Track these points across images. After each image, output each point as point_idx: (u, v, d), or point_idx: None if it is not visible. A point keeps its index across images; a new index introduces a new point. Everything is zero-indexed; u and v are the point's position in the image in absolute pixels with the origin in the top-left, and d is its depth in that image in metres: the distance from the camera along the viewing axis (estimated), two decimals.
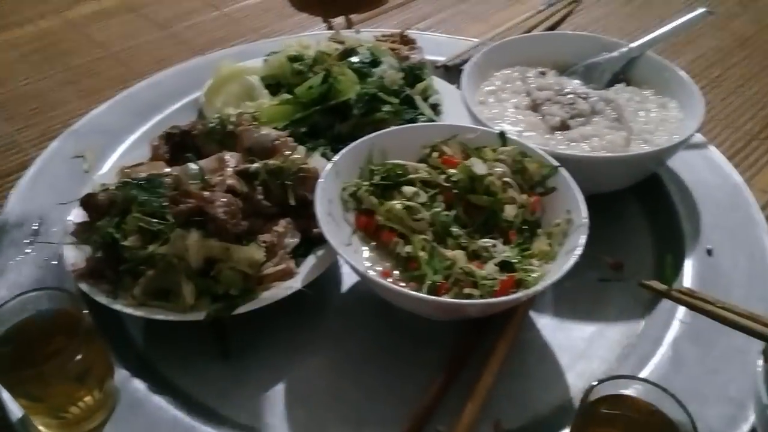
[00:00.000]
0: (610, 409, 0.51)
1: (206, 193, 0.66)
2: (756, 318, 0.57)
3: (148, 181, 0.67)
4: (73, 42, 1.13)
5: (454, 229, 0.66)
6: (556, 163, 0.68)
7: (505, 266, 0.62)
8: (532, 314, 0.68)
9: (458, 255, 0.63)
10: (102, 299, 0.63)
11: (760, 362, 0.53)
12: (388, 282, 0.61)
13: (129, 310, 0.62)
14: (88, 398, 0.56)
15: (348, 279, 0.72)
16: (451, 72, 0.97)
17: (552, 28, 1.13)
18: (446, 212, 0.67)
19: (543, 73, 0.86)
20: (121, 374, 0.61)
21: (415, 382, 0.61)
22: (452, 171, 0.69)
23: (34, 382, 0.52)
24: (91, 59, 1.09)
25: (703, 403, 0.58)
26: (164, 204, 0.65)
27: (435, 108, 0.89)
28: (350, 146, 0.72)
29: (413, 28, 1.10)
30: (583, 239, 0.61)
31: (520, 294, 0.58)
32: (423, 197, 0.68)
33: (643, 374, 0.61)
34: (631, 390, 0.52)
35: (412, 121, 0.85)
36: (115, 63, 1.08)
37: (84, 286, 0.64)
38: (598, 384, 0.50)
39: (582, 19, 1.15)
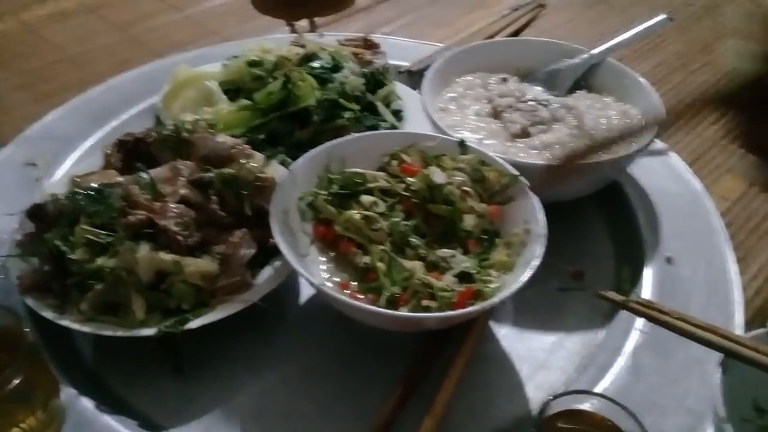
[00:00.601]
0: (566, 423, 0.51)
1: (157, 204, 0.64)
2: (713, 329, 0.56)
3: (98, 192, 0.65)
4: (29, 45, 1.10)
5: (413, 239, 0.65)
6: (515, 172, 0.67)
7: (463, 277, 0.62)
8: (492, 324, 0.67)
9: (416, 266, 0.62)
10: (48, 314, 0.61)
11: (718, 374, 0.53)
12: (344, 295, 0.60)
13: (76, 326, 0.60)
14: (30, 419, 0.54)
15: (306, 290, 0.71)
16: (415, 77, 0.96)
17: (516, 33, 1.13)
18: (405, 222, 0.66)
19: (505, 80, 0.86)
20: (68, 392, 0.59)
21: (373, 396, 0.60)
22: (411, 180, 0.68)
23: None
24: (46, 62, 1.06)
25: (662, 414, 0.58)
26: (113, 215, 0.63)
27: (397, 114, 0.88)
28: (308, 154, 0.70)
29: (377, 32, 1.09)
30: (540, 250, 0.60)
31: (477, 307, 0.57)
32: (382, 207, 0.67)
33: (602, 385, 0.61)
34: (586, 404, 0.51)
35: (374, 127, 0.84)
36: (72, 66, 1.05)
37: (29, 300, 0.62)
38: (553, 399, 0.49)
39: (546, 24, 1.15)
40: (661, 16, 0.88)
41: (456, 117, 0.80)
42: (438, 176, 0.67)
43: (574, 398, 0.51)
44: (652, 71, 1.03)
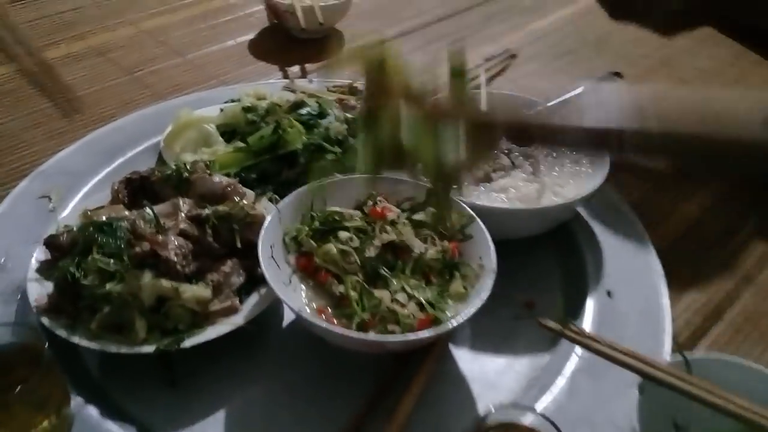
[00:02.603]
0: None
1: (159, 237, 0.73)
2: (635, 356, 0.66)
3: (108, 225, 0.75)
4: (44, 84, 1.20)
5: (382, 271, 0.74)
6: (472, 213, 0.77)
7: (424, 306, 0.71)
8: (452, 347, 0.76)
9: (384, 295, 0.71)
10: (61, 333, 0.69)
11: (636, 395, 0.62)
12: (320, 320, 0.69)
13: (85, 343, 0.69)
14: (45, 423, 0.62)
15: (288, 315, 0.80)
16: None
17: (490, 80, 1.23)
18: (376, 256, 0.75)
19: None
20: (76, 401, 0.67)
21: (343, 408, 0.68)
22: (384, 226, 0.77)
23: None
24: (60, 101, 1.15)
25: (593, 429, 0.67)
26: (121, 246, 0.72)
27: None
28: (293, 194, 0.80)
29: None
30: (490, 283, 0.70)
31: (433, 332, 0.67)
32: (356, 242, 0.76)
33: (542, 402, 0.70)
34: (522, 419, 0.60)
35: (355, 167, 0.93)
36: (82, 105, 1.15)
37: (45, 320, 0.71)
38: (492, 412, 0.58)
39: (516, 74, 1.26)
40: (607, 73, 0.98)
41: None
42: (408, 235, 0.77)
43: (510, 413, 0.60)
44: None
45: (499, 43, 1.33)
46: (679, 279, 0.84)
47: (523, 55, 1.31)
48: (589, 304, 0.80)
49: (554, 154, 0.92)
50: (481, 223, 0.76)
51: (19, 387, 0.58)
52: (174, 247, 0.73)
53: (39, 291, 0.74)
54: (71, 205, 0.91)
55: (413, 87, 0.63)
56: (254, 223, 0.78)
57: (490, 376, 0.74)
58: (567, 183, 0.87)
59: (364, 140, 0.65)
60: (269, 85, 1.12)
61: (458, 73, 0.64)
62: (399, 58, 0.62)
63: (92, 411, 0.67)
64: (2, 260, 0.82)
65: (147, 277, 0.70)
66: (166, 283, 0.70)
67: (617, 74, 0.97)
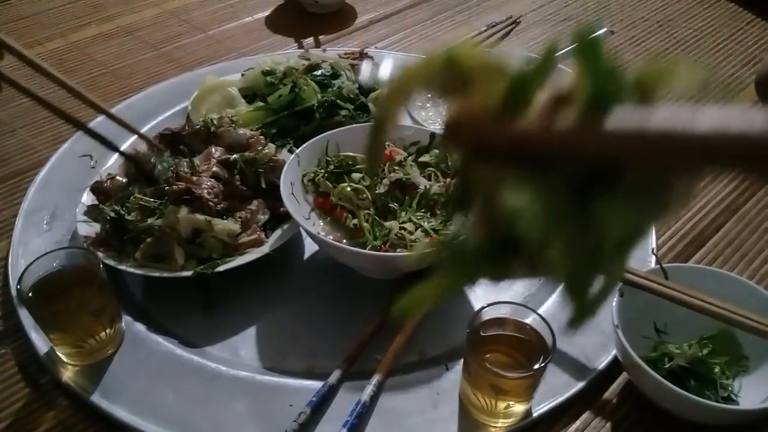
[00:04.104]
0: (492, 326, 0.67)
1: (194, 178, 0.82)
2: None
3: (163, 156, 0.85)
4: (77, 61, 1.30)
5: (392, 205, 0.83)
6: None
7: (429, 233, 0.79)
8: None
9: (393, 224, 0.80)
10: (110, 262, 0.79)
11: (616, 296, 0.70)
12: (337, 242, 0.78)
13: (132, 270, 0.78)
14: (102, 334, 0.72)
15: (309, 248, 0.88)
16: None
17: (493, 46, 1.31)
18: (385, 192, 0.83)
19: None
20: (126, 319, 0.77)
21: (358, 324, 0.77)
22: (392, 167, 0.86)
23: (63, 314, 0.68)
24: (92, 76, 1.25)
25: (582, 335, 0.75)
26: (160, 187, 0.82)
27: None
28: (310, 141, 0.89)
29: (372, 47, 1.27)
30: None
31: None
32: (367, 181, 0.85)
33: (543, 309, 0.78)
34: (509, 312, 0.68)
35: (365, 122, 1.02)
36: (114, 79, 1.25)
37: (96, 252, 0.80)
38: (485, 306, 0.67)
39: (519, 39, 1.33)
40: (603, 30, 1.06)
41: (431, 112, 0.98)
42: (414, 174, 0.85)
43: (502, 307, 0.68)
44: None
45: (501, 11, 1.41)
46: None
47: (525, 21, 1.38)
48: None
49: None
50: None
51: (80, 300, 0.68)
52: (206, 186, 0.82)
53: (87, 230, 0.83)
54: (110, 162, 1.00)
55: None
56: (276, 166, 0.87)
57: (489, 294, 0.82)
58: None
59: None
60: (285, 56, 1.21)
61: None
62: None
63: (139, 327, 0.77)
64: (53, 209, 0.92)
65: (184, 212, 0.79)
66: (200, 216, 0.79)
67: (611, 32, 1.04)
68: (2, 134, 1.10)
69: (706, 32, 1.37)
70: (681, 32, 1.38)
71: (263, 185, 0.86)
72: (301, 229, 0.83)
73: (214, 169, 0.84)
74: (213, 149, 0.87)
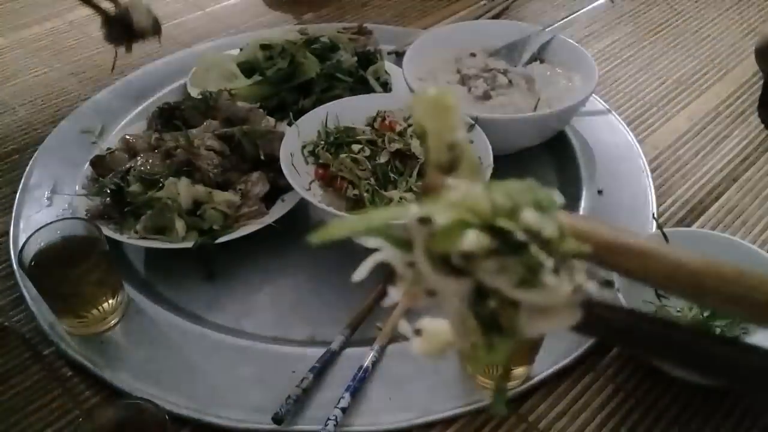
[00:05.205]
0: None
1: (194, 150, 0.82)
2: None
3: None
4: (76, 39, 1.29)
5: (391, 175, 0.82)
6: (471, 121, 0.85)
7: None
8: None
9: (394, 194, 0.80)
10: (110, 234, 0.79)
11: None
12: (336, 210, 0.78)
13: (133, 241, 0.78)
14: (105, 304, 0.72)
15: (308, 219, 0.88)
16: (402, 57, 1.13)
17: (495, 18, 1.30)
18: (385, 162, 0.83)
19: (474, 55, 1.03)
20: (128, 290, 0.77)
21: (359, 294, 0.77)
22: (392, 136, 0.85)
23: (65, 284, 0.68)
24: (91, 53, 1.25)
25: None
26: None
27: (385, 86, 1.06)
28: (310, 112, 0.88)
29: (371, 21, 1.27)
30: (488, 175, 0.78)
31: None
32: (367, 152, 0.84)
33: None
34: None
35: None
36: (112, 56, 1.24)
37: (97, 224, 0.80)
38: None
39: (518, 13, 1.32)
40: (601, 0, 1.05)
41: (431, 85, 0.98)
42: (414, 144, 0.84)
43: None
44: (606, 48, 1.20)
45: None
46: (665, 180, 0.92)
47: None
48: (582, 203, 0.88)
49: (548, 74, 0.99)
50: (480, 129, 0.84)
51: (82, 269, 0.68)
52: (206, 156, 0.82)
53: (88, 204, 0.83)
54: (109, 137, 1.00)
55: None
56: (275, 139, 0.87)
57: None
58: (562, 97, 0.94)
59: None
60: (284, 30, 1.20)
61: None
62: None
63: (142, 298, 0.77)
64: (53, 184, 0.92)
65: (184, 183, 0.79)
66: (200, 187, 0.79)
67: (611, 2, 1.04)
68: (1, 113, 1.10)
69: (707, 3, 1.36)
70: (682, 3, 1.37)
71: (262, 157, 0.86)
72: (302, 200, 0.83)
73: (212, 142, 0.84)
74: (210, 122, 0.87)
